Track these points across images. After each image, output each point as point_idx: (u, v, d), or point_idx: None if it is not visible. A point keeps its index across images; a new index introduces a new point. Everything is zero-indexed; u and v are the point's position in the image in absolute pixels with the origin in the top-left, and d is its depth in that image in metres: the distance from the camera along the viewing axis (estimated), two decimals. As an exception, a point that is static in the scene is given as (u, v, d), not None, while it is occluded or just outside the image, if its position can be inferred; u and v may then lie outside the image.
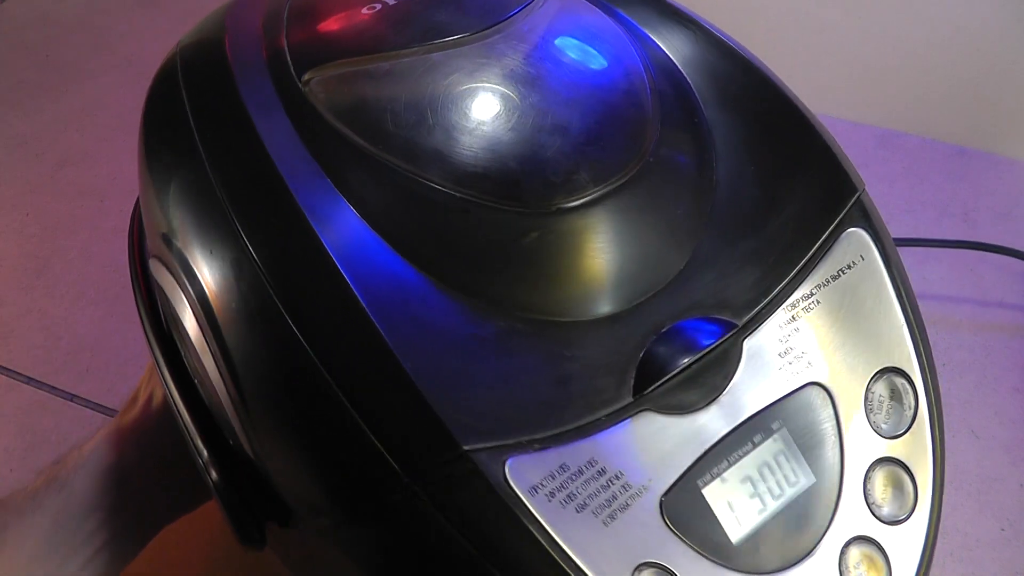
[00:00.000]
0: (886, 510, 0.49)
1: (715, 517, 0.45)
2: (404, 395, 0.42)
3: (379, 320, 0.43)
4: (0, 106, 1.33)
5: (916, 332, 0.53)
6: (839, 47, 1.14)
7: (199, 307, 0.47)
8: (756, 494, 0.46)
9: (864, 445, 0.49)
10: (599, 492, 0.43)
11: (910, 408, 0.51)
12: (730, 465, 0.46)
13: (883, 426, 0.50)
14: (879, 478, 0.49)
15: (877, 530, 0.48)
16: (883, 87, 1.15)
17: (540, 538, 0.41)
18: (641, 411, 0.45)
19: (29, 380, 1.00)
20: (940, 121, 1.13)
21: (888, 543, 0.48)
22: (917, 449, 0.51)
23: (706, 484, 0.45)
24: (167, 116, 0.54)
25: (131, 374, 0.98)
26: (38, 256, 1.13)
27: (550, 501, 0.42)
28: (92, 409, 0.95)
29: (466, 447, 0.41)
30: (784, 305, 0.50)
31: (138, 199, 0.62)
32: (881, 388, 0.51)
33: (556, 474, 0.42)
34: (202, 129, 0.50)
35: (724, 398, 0.47)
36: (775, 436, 0.47)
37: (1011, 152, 1.12)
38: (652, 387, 0.45)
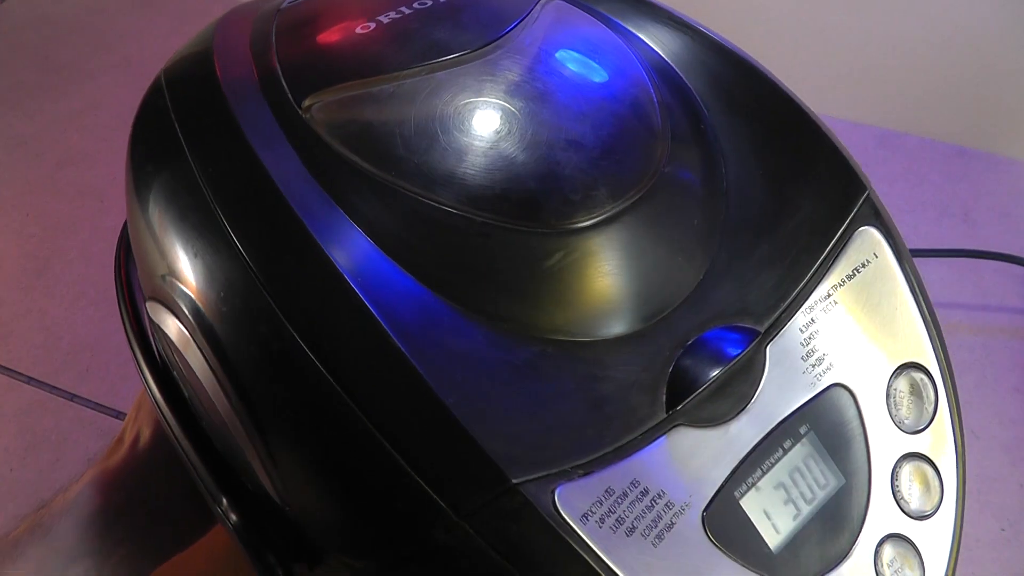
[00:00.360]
0: (914, 505, 0.49)
1: (754, 527, 0.44)
2: (447, 431, 0.40)
3: (411, 353, 0.41)
4: (0, 106, 1.33)
5: (931, 326, 0.53)
6: (839, 47, 1.13)
7: (211, 352, 0.45)
8: (790, 500, 0.46)
9: (889, 442, 0.49)
10: (645, 513, 0.42)
11: (930, 402, 0.51)
12: (763, 474, 0.45)
13: (905, 422, 0.50)
14: (905, 474, 0.49)
15: (907, 527, 0.49)
16: (883, 87, 1.14)
17: (596, 567, 0.40)
18: (675, 426, 0.44)
19: (29, 380, 0.99)
20: (940, 121, 1.13)
21: (919, 539, 0.49)
22: (939, 442, 0.51)
23: (743, 495, 0.44)
24: (161, 154, 0.51)
25: (131, 374, 0.96)
26: (38, 256, 1.12)
27: (601, 527, 0.40)
28: (92, 409, 0.93)
29: (515, 480, 0.39)
30: (803, 308, 0.49)
31: (122, 236, 0.60)
32: (902, 384, 0.51)
33: (603, 499, 0.41)
34: (203, 166, 0.48)
35: (753, 406, 0.46)
36: (803, 440, 0.47)
37: (1011, 152, 1.11)
38: (684, 402, 0.44)
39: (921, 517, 0.49)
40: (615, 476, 0.41)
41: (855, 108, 1.15)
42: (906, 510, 0.49)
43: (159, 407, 0.52)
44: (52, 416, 0.95)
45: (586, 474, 0.41)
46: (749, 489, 0.45)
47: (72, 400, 0.95)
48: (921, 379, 0.51)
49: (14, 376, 1.00)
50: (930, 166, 1.11)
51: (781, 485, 0.46)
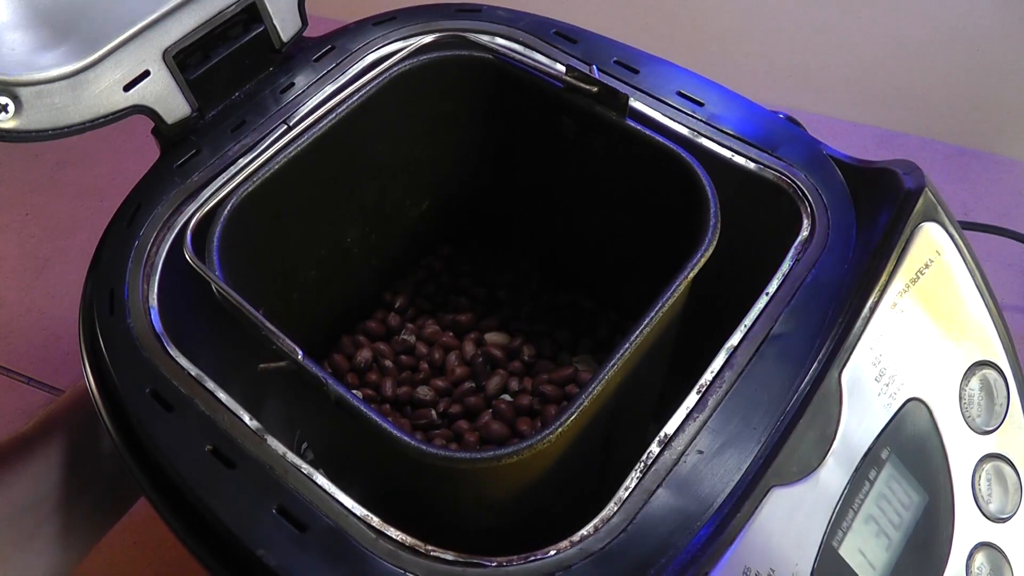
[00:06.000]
0: (994, 507, 0.47)
1: (854, 573, 0.41)
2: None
3: None
4: (-1, 106, 1.25)
5: (998, 320, 0.50)
6: (839, 47, 1.09)
7: None
8: (880, 531, 0.42)
9: (966, 447, 0.46)
10: (761, 600, 0.38)
11: (1002, 399, 0.48)
12: (856, 514, 0.41)
13: (978, 422, 0.47)
14: (984, 477, 0.47)
15: (992, 532, 0.46)
16: (883, 87, 1.09)
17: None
18: (770, 490, 0.39)
19: (29, 380, 0.96)
20: (940, 121, 1.08)
21: (1004, 542, 0.46)
22: (1014, 438, 0.48)
23: (840, 543, 0.41)
24: None
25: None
26: (38, 256, 1.09)
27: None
28: (91, 409, 0.87)
29: None
30: (871, 324, 0.44)
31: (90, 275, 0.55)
32: (973, 384, 0.48)
33: None
34: None
35: (837, 445, 0.42)
36: (886, 465, 0.43)
37: (1011, 152, 1.07)
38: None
39: (1003, 519, 0.46)
40: (731, 570, 0.37)
41: (855, 108, 1.11)
42: (988, 514, 0.46)
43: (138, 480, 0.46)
44: (52, 416, 0.89)
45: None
46: (845, 535, 0.41)
47: (72, 400, 0.90)
48: (992, 376, 0.48)
49: (14, 376, 0.96)
50: (930, 166, 1.04)
51: (871, 518, 0.42)
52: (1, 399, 0.94)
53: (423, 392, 0.64)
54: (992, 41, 1.00)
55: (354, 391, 0.63)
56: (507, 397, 0.64)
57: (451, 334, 0.69)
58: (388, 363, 0.67)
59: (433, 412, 0.63)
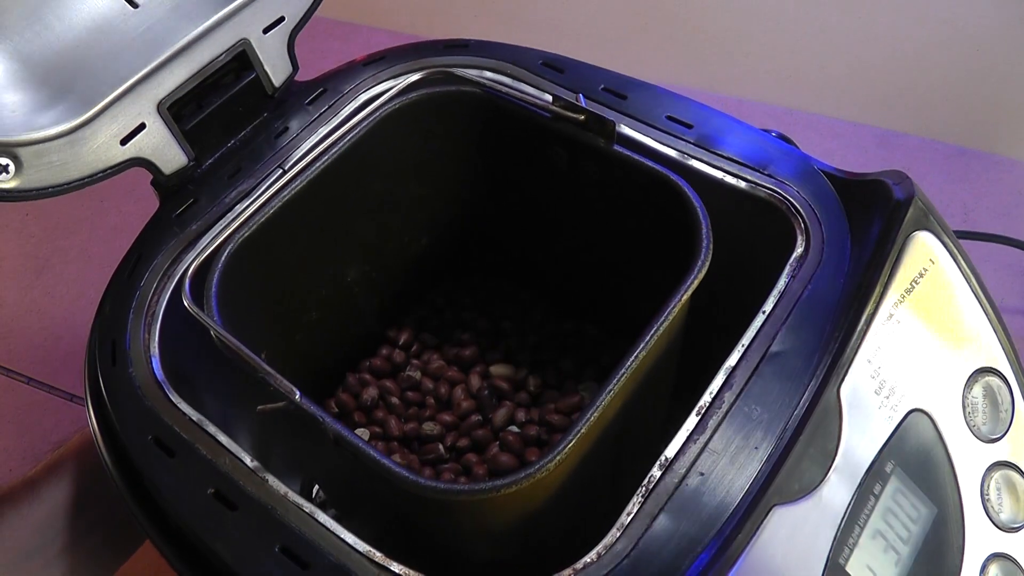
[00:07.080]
0: (1005, 516, 0.46)
1: None
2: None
3: None
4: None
5: (998, 326, 0.49)
6: (839, 47, 1.08)
7: None
8: (888, 546, 0.42)
9: (972, 456, 0.46)
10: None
11: (1007, 405, 0.48)
12: (861, 530, 0.41)
13: (984, 430, 0.47)
14: (993, 486, 0.46)
15: (1005, 542, 0.46)
16: (883, 87, 1.09)
17: None
18: (772, 508, 0.39)
19: (29, 380, 0.97)
20: (940, 121, 1.08)
21: (1018, 552, 0.46)
22: (1023, 445, 0.48)
23: (847, 560, 0.40)
24: None
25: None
26: (38, 256, 1.09)
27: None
28: (92, 409, 0.89)
29: None
30: (867, 337, 0.44)
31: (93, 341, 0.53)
32: (976, 392, 0.47)
33: None
34: None
35: (839, 461, 0.41)
36: (891, 479, 0.43)
37: (1011, 152, 1.06)
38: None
39: (1016, 528, 0.46)
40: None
41: (855, 108, 1.11)
42: (1000, 524, 0.46)
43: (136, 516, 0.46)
44: (52, 416, 0.93)
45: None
46: (852, 551, 0.40)
47: (72, 400, 0.93)
48: (995, 383, 0.48)
49: (14, 376, 0.97)
50: (930, 166, 1.07)
51: (878, 533, 0.41)
52: (1, 399, 0.95)
53: (429, 428, 0.64)
54: (992, 41, 1.00)
55: (361, 429, 0.64)
56: (514, 428, 0.64)
57: (456, 368, 0.69)
58: (394, 400, 0.67)
59: (441, 447, 0.63)
